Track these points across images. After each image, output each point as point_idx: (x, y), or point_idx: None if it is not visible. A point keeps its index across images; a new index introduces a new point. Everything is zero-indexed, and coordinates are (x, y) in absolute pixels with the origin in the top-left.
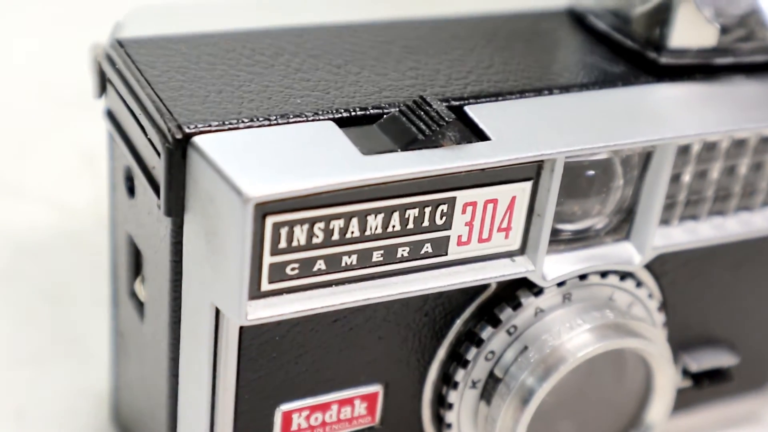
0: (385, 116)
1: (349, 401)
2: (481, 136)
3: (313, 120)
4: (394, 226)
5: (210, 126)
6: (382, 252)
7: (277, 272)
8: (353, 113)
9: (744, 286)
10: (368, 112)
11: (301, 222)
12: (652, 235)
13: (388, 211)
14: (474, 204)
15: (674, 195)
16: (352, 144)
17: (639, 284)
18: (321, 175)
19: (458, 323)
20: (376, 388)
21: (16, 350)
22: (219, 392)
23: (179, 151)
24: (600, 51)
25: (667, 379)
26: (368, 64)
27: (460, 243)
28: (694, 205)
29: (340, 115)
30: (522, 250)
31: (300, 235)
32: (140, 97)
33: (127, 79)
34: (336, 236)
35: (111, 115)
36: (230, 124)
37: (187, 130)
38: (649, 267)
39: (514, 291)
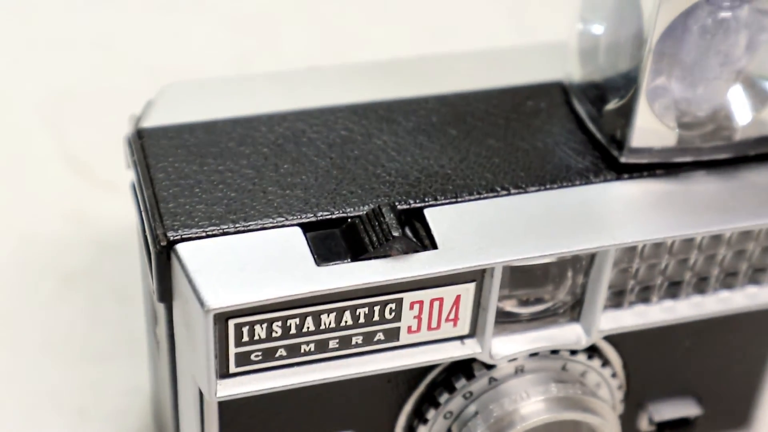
0: (346, 223)
1: None
2: (432, 242)
3: (281, 226)
4: (346, 322)
5: (192, 233)
6: (337, 341)
7: (242, 359)
8: (319, 218)
9: (705, 347)
10: (333, 217)
11: (261, 322)
12: (599, 320)
13: (340, 311)
14: (421, 302)
15: (623, 284)
16: (310, 253)
17: (591, 356)
18: (276, 286)
19: (420, 387)
20: None
21: (84, 349)
22: None
23: (164, 254)
24: (572, 141)
25: None
26: (353, 157)
27: (410, 332)
28: (645, 291)
29: (307, 220)
30: (472, 333)
31: (260, 331)
32: (144, 193)
33: (139, 173)
34: (293, 331)
35: (134, 190)
36: (209, 231)
37: (171, 239)
38: (607, 337)
39: (470, 362)
